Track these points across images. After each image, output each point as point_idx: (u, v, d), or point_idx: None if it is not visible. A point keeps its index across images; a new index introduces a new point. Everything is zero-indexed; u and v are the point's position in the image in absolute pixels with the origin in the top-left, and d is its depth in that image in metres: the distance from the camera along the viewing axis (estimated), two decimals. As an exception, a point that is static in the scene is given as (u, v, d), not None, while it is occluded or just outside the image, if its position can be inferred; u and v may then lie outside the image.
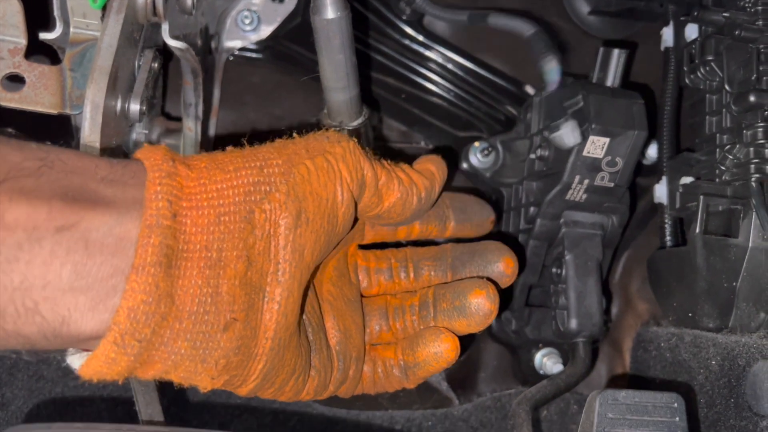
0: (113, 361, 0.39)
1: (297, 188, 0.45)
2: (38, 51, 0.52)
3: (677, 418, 0.53)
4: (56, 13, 0.50)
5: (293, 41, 0.79)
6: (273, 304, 0.44)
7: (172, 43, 0.50)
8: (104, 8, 0.48)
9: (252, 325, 0.43)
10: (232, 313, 0.42)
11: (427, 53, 0.79)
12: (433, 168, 0.56)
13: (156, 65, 0.55)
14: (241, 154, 0.45)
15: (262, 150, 0.46)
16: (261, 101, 0.78)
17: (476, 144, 0.76)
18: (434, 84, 0.79)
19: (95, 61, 0.46)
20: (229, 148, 0.46)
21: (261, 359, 0.45)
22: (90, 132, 0.46)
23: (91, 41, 0.49)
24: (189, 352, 0.41)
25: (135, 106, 0.53)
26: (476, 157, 0.76)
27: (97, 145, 0.46)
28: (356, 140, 0.51)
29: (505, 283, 0.58)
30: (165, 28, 0.50)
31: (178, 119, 0.65)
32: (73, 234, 0.37)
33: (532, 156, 0.72)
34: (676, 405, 0.53)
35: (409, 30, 0.79)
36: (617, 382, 0.77)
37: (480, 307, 0.54)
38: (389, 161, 0.54)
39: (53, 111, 0.48)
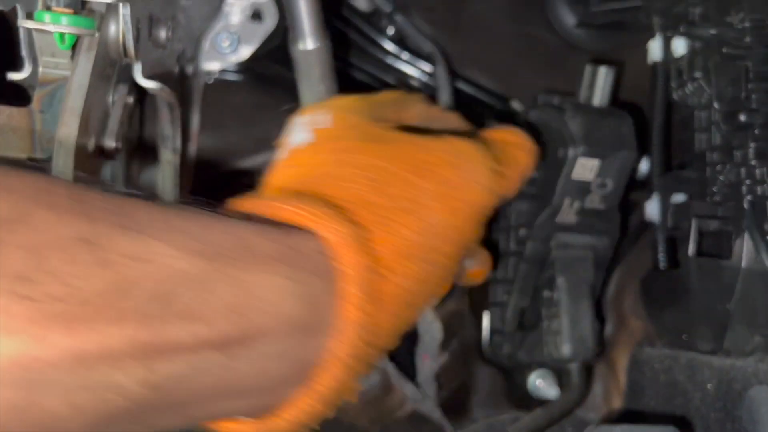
0: None
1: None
2: (7, 91, 0.50)
3: (675, 452, 0.52)
4: (24, 52, 0.48)
5: (274, 61, 0.77)
6: None
7: (146, 83, 0.49)
8: (74, 47, 0.47)
9: None
10: None
11: (411, 72, 0.78)
12: (523, 160, 0.54)
13: (131, 100, 0.53)
14: (418, 219, 0.40)
15: (432, 206, 0.41)
16: (242, 124, 0.76)
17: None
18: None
19: (65, 101, 0.45)
20: (379, 169, 0.41)
21: None
22: (62, 175, 0.44)
23: (61, 80, 0.47)
24: None
25: (110, 144, 0.51)
26: (464, 177, 0.74)
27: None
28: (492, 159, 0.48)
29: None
30: (137, 68, 0.48)
31: (155, 149, 0.63)
32: (237, 351, 0.33)
33: (522, 176, 0.70)
34: (672, 439, 0.52)
35: (392, 48, 0.78)
36: (612, 404, 0.76)
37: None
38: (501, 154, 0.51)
39: (22, 155, 0.46)
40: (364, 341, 0.37)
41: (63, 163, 0.44)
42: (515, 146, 0.53)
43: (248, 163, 0.75)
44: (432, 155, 0.44)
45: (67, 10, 0.44)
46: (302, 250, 0.35)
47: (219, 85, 0.77)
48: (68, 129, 0.44)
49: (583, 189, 0.64)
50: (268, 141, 0.80)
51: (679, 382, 0.65)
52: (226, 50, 0.76)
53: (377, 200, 0.39)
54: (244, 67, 0.77)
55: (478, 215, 0.45)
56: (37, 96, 0.47)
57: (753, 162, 0.59)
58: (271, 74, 0.77)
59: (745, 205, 0.59)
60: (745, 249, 0.60)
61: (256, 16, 0.75)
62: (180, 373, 0.31)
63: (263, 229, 0.35)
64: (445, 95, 0.71)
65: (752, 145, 0.59)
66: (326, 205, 0.37)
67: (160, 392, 0.31)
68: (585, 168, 0.63)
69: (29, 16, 0.45)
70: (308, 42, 0.52)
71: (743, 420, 0.57)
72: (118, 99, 0.52)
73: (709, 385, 0.62)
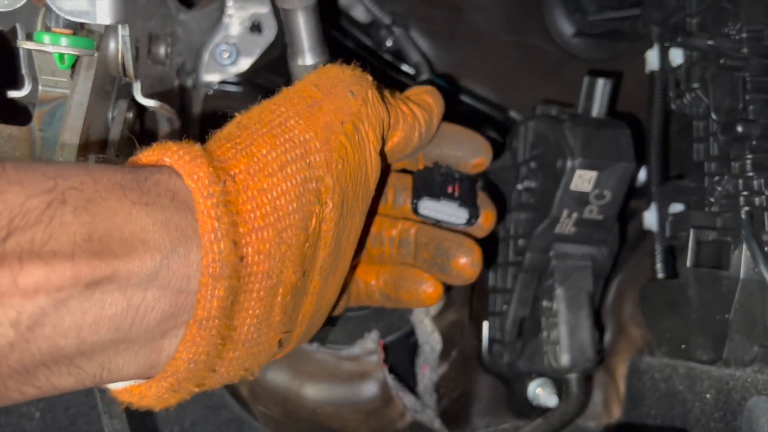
0: (165, 400, 0.38)
1: (340, 179, 0.42)
2: (7, 110, 0.50)
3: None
4: (24, 71, 0.48)
5: (274, 73, 0.77)
6: (311, 297, 0.43)
7: (146, 102, 0.49)
8: (74, 65, 0.47)
9: (294, 319, 0.43)
10: (283, 328, 0.40)
11: (410, 82, 0.78)
12: (430, 100, 0.54)
13: (131, 115, 0.54)
14: (274, 136, 0.40)
15: (294, 126, 0.42)
16: None
17: (462, 174, 0.74)
18: None
19: (66, 120, 0.45)
20: (247, 115, 0.43)
21: (293, 343, 0.45)
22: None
23: (61, 99, 0.48)
24: (238, 373, 0.40)
25: (110, 159, 0.51)
26: (463, 187, 0.74)
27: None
28: (376, 86, 0.48)
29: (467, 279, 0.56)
30: (137, 87, 0.48)
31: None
32: (106, 287, 0.32)
33: (519, 187, 0.70)
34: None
35: (390, 59, 0.78)
36: (612, 413, 0.76)
37: (461, 275, 0.54)
38: (391, 93, 0.52)
39: (23, 175, 0.46)
40: (230, 253, 0.35)
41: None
42: (423, 91, 0.54)
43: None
44: (299, 85, 0.46)
45: (66, 31, 0.44)
46: (153, 178, 0.36)
47: (219, 97, 0.77)
48: (69, 147, 0.44)
49: (581, 200, 0.64)
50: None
51: (679, 391, 0.65)
52: (226, 62, 0.77)
53: (237, 132, 0.41)
54: (244, 78, 0.77)
55: (352, 119, 0.44)
56: (37, 114, 0.48)
57: (750, 173, 0.59)
58: (270, 85, 0.77)
59: (743, 216, 0.60)
60: (743, 259, 0.60)
61: (255, 28, 0.75)
62: (48, 312, 0.31)
63: (117, 167, 0.36)
64: None
65: (750, 156, 0.59)
66: (181, 144, 0.38)
67: (34, 334, 0.31)
68: (583, 179, 0.64)
69: (29, 36, 0.45)
70: (307, 58, 0.52)
71: (743, 431, 0.57)
72: (118, 115, 0.52)
73: (708, 395, 0.62)
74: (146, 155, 0.38)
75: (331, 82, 0.46)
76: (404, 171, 0.58)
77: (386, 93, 0.51)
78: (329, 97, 0.45)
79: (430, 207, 0.54)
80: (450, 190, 0.55)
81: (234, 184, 0.37)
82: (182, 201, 0.36)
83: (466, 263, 0.54)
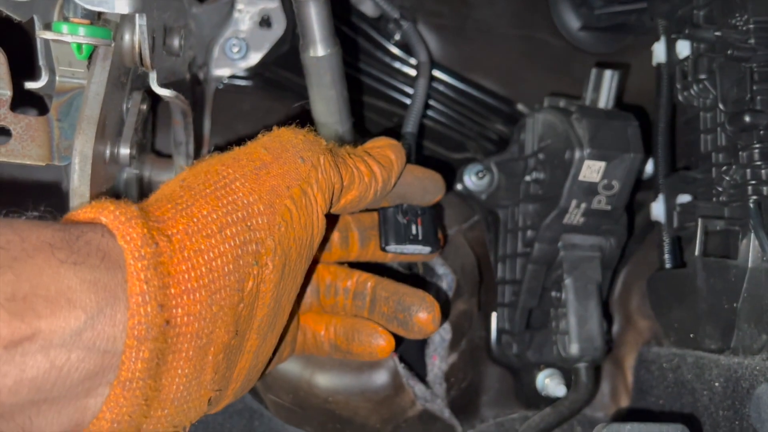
0: None
1: (283, 241, 0.42)
2: (25, 100, 0.51)
3: (684, 450, 0.52)
4: (42, 62, 0.49)
5: (283, 67, 0.78)
6: (248, 356, 0.43)
7: (161, 92, 0.50)
8: (90, 56, 0.48)
9: (227, 377, 0.43)
10: (214, 386, 0.40)
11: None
12: (392, 156, 0.54)
13: (145, 107, 0.54)
14: (217, 198, 0.41)
15: (239, 189, 0.42)
16: (252, 128, 0.77)
17: (471, 166, 0.75)
18: (428, 106, 0.79)
19: (82, 110, 0.46)
20: (192, 174, 0.43)
21: (228, 398, 0.46)
22: (79, 183, 0.45)
23: (77, 89, 0.48)
24: (167, 430, 0.39)
25: (125, 151, 0.52)
26: (471, 180, 0.75)
27: (87, 194, 0.45)
28: (330, 148, 0.49)
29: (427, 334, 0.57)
30: (153, 77, 0.49)
31: (168, 155, 0.64)
32: (28, 348, 0.32)
33: (528, 179, 0.71)
34: (682, 436, 0.53)
35: (399, 53, 0.79)
36: (620, 403, 0.76)
37: (423, 330, 0.55)
38: (349, 150, 0.52)
39: (41, 163, 0.47)
40: (156, 316, 0.35)
41: (80, 170, 0.45)
42: (386, 145, 0.54)
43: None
44: (249, 147, 0.46)
45: (84, 21, 0.45)
46: (85, 237, 0.35)
47: (229, 91, 0.78)
48: (85, 137, 0.45)
49: (589, 190, 0.65)
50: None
51: (687, 380, 0.66)
52: (236, 56, 0.77)
53: (180, 193, 0.41)
54: (254, 72, 0.78)
55: (299, 183, 0.44)
56: (54, 105, 0.48)
57: (758, 162, 0.60)
58: (280, 80, 0.78)
59: (751, 205, 0.60)
60: (751, 249, 0.60)
61: (265, 22, 0.76)
62: None
63: (48, 224, 0.35)
64: (415, 108, 0.72)
65: (757, 145, 0.60)
66: (119, 203, 0.38)
67: None
68: (591, 170, 0.64)
69: (47, 26, 0.46)
70: (319, 49, 0.53)
71: (751, 418, 0.58)
72: (133, 106, 0.53)
73: (716, 384, 0.62)
74: (83, 212, 0.38)
75: (282, 146, 0.46)
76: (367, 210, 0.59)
77: (345, 151, 0.51)
78: (278, 161, 0.45)
79: (397, 248, 0.58)
80: (414, 231, 0.58)
81: (170, 245, 0.37)
82: (114, 261, 0.35)
83: (428, 319, 0.54)
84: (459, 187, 0.75)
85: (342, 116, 0.57)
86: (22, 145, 0.47)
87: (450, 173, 0.76)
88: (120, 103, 0.51)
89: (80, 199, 0.45)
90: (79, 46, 0.46)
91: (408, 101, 0.78)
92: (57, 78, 0.49)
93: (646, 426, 0.53)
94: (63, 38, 0.45)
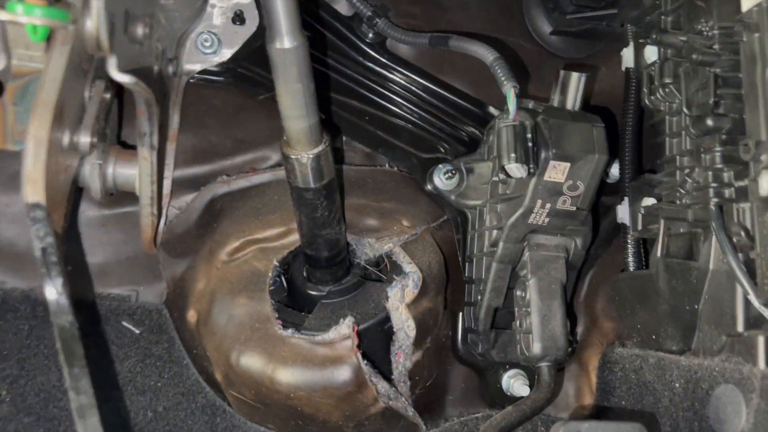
0: None
1: None
2: (-18, 85, 0.50)
3: (640, 448, 0.53)
4: (-4, 44, 0.48)
5: (255, 63, 0.78)
6: None
7: (120, 77, 0.49)
8: (48, 39, 0.47)
9: None
10: None
11: (391, 75, 0.79)
12: None
13: (108, 96, 0.54)
14: None
15: None
16: (222, 124, 0.77)
17: (440, 166, 0.75)
18: (397, 106, 0.79)
19: (38, 94, 0.45)
20: None
21: None
22: (33, 168, 0.44)
23: (34, 73, 0.48)
24: None
25: (85, 139, 0.51)
26: (440, 180, 0.75)
27: (42, 181, 0.45)
28: None
29: None
30: (112, 62, 0.48)
31: (134, 147, 0.63)
32: None
33: (495, 179, 0.71)
34: (639, 435, 0.53)
35: (371, 52, 0.79)
36: (584, 403, 0.76)
37: None
38: None
39: (-3, 147, 0.47)
40: None
41: (34, 155, 0.44)
42: None
43: (227, 162, 0.76)
44: None
45: (40, 2, 0.44)
46: None
47: (200, 85, 0.78)
48: (40, 122, 0.44)
49: (554, 191, 0.65)
50: (247, 141, 0.81)
51: (649, 381, 0.66)
52: (207, 51, 0.77)
53: None
54: (226, 67, 0.78)
55: None
56: (9, 88, 0.48)
57: (720, 166, 0.61)
58: (251, 76, 0.78)
59: (713, 208, 0.61)
60: (712, 251, 0.61)
61: (238, 18, 0.76)
62: None
63: None
64: None
65: (719, 149, 0.61)
66: None
67: None
68: (556, 170, 0.64)
69: (1, 6, 0.45)
70: (285, 41, 0.53)
71: (710, 419, 0.58)
72: (95, 94, 0.52)
73: (677, 385, 0.63)
74: None
75: None
76: None
77: None
78: None
79: None
80: None
81: None
82: None
83: None
84: (429, 186, 0.75)
85: (308, 109, 0.57)
86: (-24, 129, 0.46)
87: (421, 173, 0.76)
88: (81, 90, 0.50)
89: (33, 185, 0.45)
90: (35, 27, 0.45)
91: (380, 100, 0.78)
92: (13, 61, 0.48)
93: (604, 424, 0.53)
94: (18, 19, 0.44)
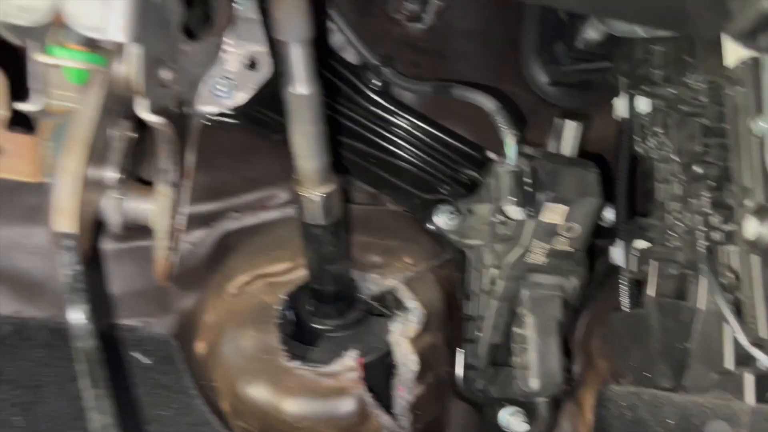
0: None
1: None
2: (18, 119, 0.53)
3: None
4: (33, 84, 0.52)
5: (266, 107, 0.81)
6: None
7: (152, 119, 0.52)
8: (81, 80, 0.50)
9: None
10: None
11: (395, 120, 0.83)
12: None
13: (133, 135, 0.57)
14: None
15: None
16: (233, 163, 0.80)
17: (442, 207, 0.78)
18: (401, 149, 0.83)
19: (74, 132, 0.48)
20: None
21: None
22: (67, 200, 0.47)
23: (67, 112, 0.51)
24: None
25: (112, 175, 0.54)
26: (442, 220, 0.78)
27: (77, 213, 0.48)
28: None
29: None
30: (145, 104, 0.52)
31: (148, 182, 0.67)
32: None
33: (494, 220, 0.74)
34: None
35: (377, 98, 0.83)
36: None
37: None
38: None
39: (30, 179, 0.50)
40: None
41: (68, 188, 0.47)
42: None
43: (237, 200, 0.79)
44: None
45: (80, 47, 0.48)
46: None
47: (214, 127, 0.81)
48: (76, 157, 0.47)
49: (551, 231, 0.68)
50: (257, 180, 0.84)
51: (643, 418, 0.68)
52: (222, 95, 0.81)
53: None
54: (239, 111, 0.82)
55: None
56: (43, 125, 0.51)
57: (708, 210, 0.64)
58: (264, 119, 0.82)
59: (702, 250, 0.64)
60: (702, 291, 0.64)
61: (252, 65, 0.80)
62: None
63: None
64: None
65: (707, 195, 0.64)
66: None
67: None
68: (554, 212, 0.68)
69: (42, 50, 0.49)
70: (301, 87, 0.56)
71: (702, 453, 0.60)
72: (121, 132, 0.55)
73: (671, 421, 0.65)
74: None
75: None
76: None
77: None
78: None
79: None
80: None
81: None
82: None
83: None
84: (430, 226, 0.79)
85: (320, 152, 0.61)
86: (12, 162, 0.50)
87: (423, 212, 0.80)
88: (107, 129, 0.54)
89: (66, 217, 0.48)
90: (72, 71, 0.49)
91: (384, 143, 0.82)
92: (49, 100, 0.51)
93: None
94: (59, 62, 0.48)
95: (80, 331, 0.48)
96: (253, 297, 0.71)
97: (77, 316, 0.48)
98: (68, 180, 0.47)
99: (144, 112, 0.52)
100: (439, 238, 0.79)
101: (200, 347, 0.71)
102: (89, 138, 0.48)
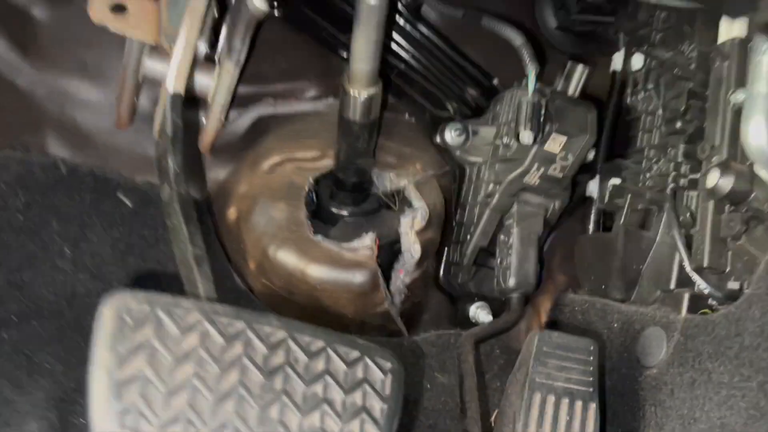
0: None
1: None
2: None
3: (591, 358, 0.70)
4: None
5: (308, 5, 0.88)
6: None
7: (260, 5, 0.59)
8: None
9: None
10: None
11: (419, 38, 0.91)
12: None
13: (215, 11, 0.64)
14: None
15: None
16: (270, 53, 0.87)
17: (451, 124, 0.89)
18: (421, 64, 0.91)
19: (191, 4, 0.55)
20: None
21: None
22: (181, 65, 0.55)
23: (183, -14, 0.58)
24: None
25: (202, 48, 0.62)
26: (450, 135, 0.89)
27: (184, 78, 0.55)
28: None
29: None
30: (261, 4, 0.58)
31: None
32: None
33: (498, 142, 0.86)
34: (591, 348, 0.70)
35: (408, 15, 0.90)
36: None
37: None
38: None
39: (150, 41, 0.56)
40: None
41: (183, 54, 0.55)
42: None
43: (270, 88, 0.87)
44: None
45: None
46: None
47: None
48: (191, 27, 0.55)
49: (549, 158, 0.80)
50: (289, 72, 0.91)
51: (592, 321, 0.83)
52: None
53: None
54: (283, 5, 0.87)
55: None
56: (164, -5, 0.57)
57: (680, 160, 0.77)
58: (302, 17, 0.88)
59: (668, 192, 0.77)
60: (662, 225, 0.78)
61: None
62: None
63: None
64: None
65: (682, 147, 0.77)
66: None
67: None
68: (555, 142, 0.80)
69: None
70: (373, -3, 0.64)
71: (637, 351, 0.76)
72: (210, 8, 0.62)
73: (615, 325, 0.80)
74: None
75: None
76: None
77: None
78: None
79: None
80: None
81: None
82: None
83: None
84: (438, 140, 0.89)
85: (375, 55, 0.69)
86: (136, 21, 0.56)
87: (433, 127, 0.90)
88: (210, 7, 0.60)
89: (178, 79, 0.55)
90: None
91: (408, 57, 0.90)
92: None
93: (568, 336, 0.69)
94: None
95: (175, 176, 0.57)
96: (284, 176, 0.80)
97: (174, 165, 0.57)
98: (184, 46, 0.55)
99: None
100: (443, 151, 0.89)
101: (232, 213, 0.80)
102: (203, 11, 0.56)
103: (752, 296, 0.65)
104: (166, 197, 0.58)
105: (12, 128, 0.77)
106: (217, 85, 0.71)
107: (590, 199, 0.90)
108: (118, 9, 0.57)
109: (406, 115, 0.92)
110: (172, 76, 0.55)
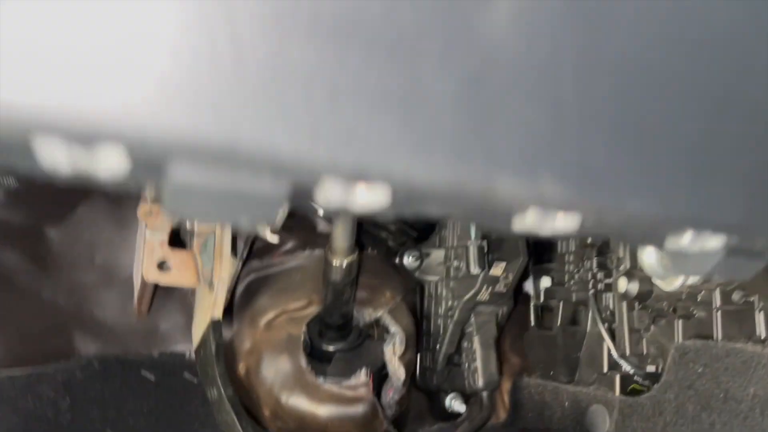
0: None
1: None
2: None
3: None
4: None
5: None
6: None
7: (272, 240, 0.75)
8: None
9: None
10: None
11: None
12: None
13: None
14: None
15: None
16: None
17: (408, 251, 1.06)
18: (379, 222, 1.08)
19: (220, 248, 0.70)
20: None
21: None
22: (220, 297, 0.70)
23: (210, 232, 0.72)
24: None
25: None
26: (408, 260, 1.06)
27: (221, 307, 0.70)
28: None
29: None
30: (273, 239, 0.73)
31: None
32: None
33: (449, 264, 1.04)
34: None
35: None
36: (500, 415, 1.12)
37: None
38: None
39: (193, 287, 0.70)
40: None
41: (222, 289, 0.70)
42: None
43: (260, 262, 1.02)
44: None
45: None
46: None
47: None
48: (226, 267, 0.70)
49: (494, 280, 0.99)
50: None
51: (547, 401, 1.03)
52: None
53: None
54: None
55: None
56: (195, 243, 0.71)
57: (595, 269, 0.98)
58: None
59: (590, 294, 0.98)
60: (590, 320, 0.99)
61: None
62: None
63: None
64: None
65: (595, 259, 0.98)
66: None
67: None
68: (497, 267, 0.99)
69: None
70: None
71: (586, 424, 0.96)
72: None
73: (566, 403, 1.00)
74: None
75: None
76: None
77: None
78: None
79: None
80: None
81: None
82: None
83: None
84: (398, 262, 1.06)
85: (352, 235, 0.86)
86: (179, 273, 0.70)
87: (393, 255, 1.07)
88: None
89: (219, 310, 0.70)
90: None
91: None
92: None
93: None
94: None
95: (222, 379, 0.71)
96: (281, 329, 0.95)
97: (218, 371, 0.71)
98: (223, 284, 0.70)
99: (269, 235, 0.74)
100: (404, 272, 1.07)
101: (242, 368, 0.94)
102: (230, 252, 0.71)
103: (665, 382, 0.86)
104: (215, 398, 0.72)
105: (47, 337, 0.88)
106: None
107: (527, 296, 1.10)
108: (163, 266, 0.71)
109: (369, 249, 1.08)
110: (214, 307, 0.69)
